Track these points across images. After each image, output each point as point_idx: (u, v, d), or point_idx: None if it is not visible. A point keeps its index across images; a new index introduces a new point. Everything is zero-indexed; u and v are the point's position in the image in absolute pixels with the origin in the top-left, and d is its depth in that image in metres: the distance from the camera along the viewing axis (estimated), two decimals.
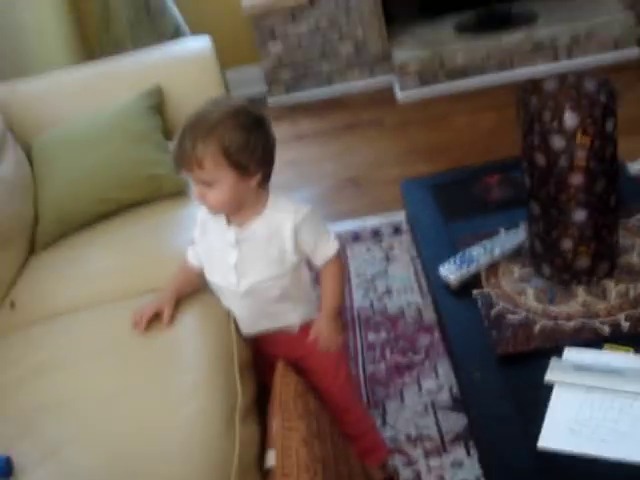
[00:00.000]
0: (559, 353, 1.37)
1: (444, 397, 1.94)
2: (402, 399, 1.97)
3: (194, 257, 1.59)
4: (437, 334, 2.13)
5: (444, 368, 2.01)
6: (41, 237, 2.01)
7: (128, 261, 1.83)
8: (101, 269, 1.83)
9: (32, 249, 2.02)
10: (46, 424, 1.36)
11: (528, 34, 3.79)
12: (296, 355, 1.59)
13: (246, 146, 1.38)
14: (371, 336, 2.21)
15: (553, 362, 1.34)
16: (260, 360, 1.67)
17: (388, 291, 2.40)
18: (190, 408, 1.34)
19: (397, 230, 2.71)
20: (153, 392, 1.39)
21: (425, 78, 3.88)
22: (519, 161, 1.56)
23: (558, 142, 1.41)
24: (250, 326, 1.59)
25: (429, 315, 2.22)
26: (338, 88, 4.17)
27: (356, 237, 2.73)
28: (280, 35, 4.08)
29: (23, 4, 3.49)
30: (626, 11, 3.80)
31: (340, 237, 1.74)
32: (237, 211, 1.46)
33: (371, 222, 2.82)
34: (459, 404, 1.88)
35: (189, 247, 1.61)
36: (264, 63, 4.15)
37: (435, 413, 1.91)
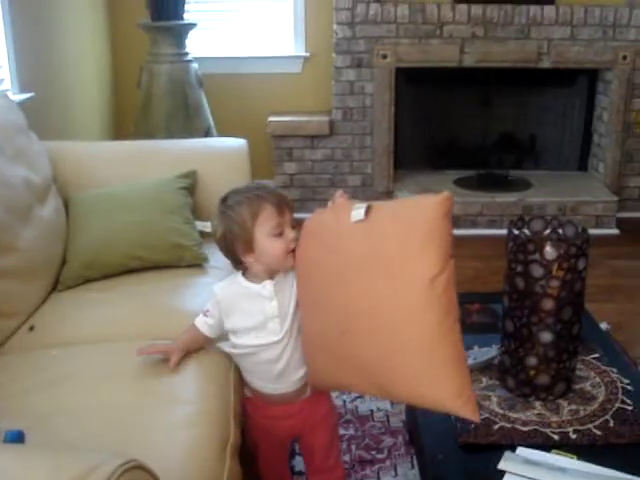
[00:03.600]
0: (513, 449, 1.57)
1: None
2: None
3: (203, 325, 1.77)
4: (401, 438, 2.31)
5: (403, 468, 2.18)
6: (66, 278, 2.20)
7: (143, 311, 2.02)
8: (117, 313, 2.02)
9: (55, 288, 2.20)
10: (58, 425, 1.51)
11: (520, 198, 4.17)
12: (296, 431, 1.82)
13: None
14: (340, 430, 2.37)
15: (506, 454, 1.54)
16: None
17: (361, 396, 2.58)
18: (189, 432, 1.51)
19: None
20: (156, 413, 1.55)
21: None
22: (498, 296, 1.82)
23: (537, 271, 1.67)
24: (277, 381, 1.75)
25: (396, 421, 2.40)
26: None
27: None
28: (297, 158, 4.44)
29: (75, 83, 3.85)
30: (610, 195, 4.22)
31: None
32: None
33: None
34: None
35: (201, 316, 1.77)
36: (277, 180, 4.48)
37: None
